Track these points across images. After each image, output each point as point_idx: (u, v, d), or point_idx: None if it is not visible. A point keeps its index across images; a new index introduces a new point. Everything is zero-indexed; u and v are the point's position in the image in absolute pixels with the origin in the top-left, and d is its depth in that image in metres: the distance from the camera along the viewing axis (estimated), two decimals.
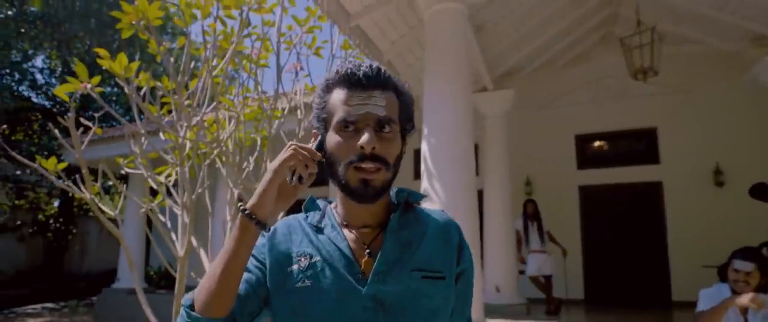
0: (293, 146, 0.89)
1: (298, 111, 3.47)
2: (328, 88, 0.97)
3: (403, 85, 0.99)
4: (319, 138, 0.96)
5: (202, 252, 2.71)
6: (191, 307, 0.88)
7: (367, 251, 0.94)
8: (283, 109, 3.07)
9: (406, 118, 0.98)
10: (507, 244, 7.32)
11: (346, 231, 0.98)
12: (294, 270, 0.93)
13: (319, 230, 0.99)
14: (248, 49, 2.85)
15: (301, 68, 3.79)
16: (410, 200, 1.02)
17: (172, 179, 2.75)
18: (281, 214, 1.07)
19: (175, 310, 2.43)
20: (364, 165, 0.89)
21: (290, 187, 0.90)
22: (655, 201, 8.66)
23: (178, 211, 2.54)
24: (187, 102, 2.61)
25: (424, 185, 4.76)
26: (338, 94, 0.94)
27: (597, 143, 9.36)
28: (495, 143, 7.90)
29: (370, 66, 0.94)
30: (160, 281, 10.19)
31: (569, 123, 9.22)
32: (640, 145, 9.11)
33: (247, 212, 0.86)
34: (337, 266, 0.92)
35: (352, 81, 0.93)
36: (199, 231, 2.73)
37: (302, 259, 0.94)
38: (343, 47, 4.34)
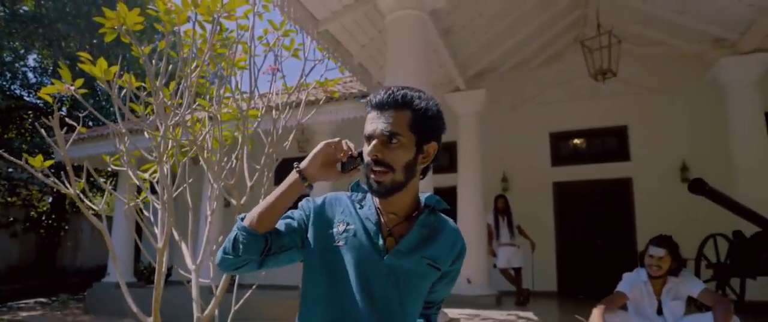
0: (339, 139, 1.22)
1: (273, 111, 3.57)
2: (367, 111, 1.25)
3: (423, 102, 1.19)
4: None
5: (183, 245, 2.80)
6: (243, 219, 1.19)
7: (389, 232, 1.22)
8: (261, 110, 3.16)
9: (419, 130, 1.18)
10: (479, 238, 7.46)
11: (379, 214, 1.24)
12: (333, 232, 1.22)
13: (359, 206, 1.26)
14: (228, 52, 2.93)
15: (278, 70, 3.89)
16: (437, 207, 1.29)
17: (157, 176, 2.83)
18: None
19: (155, 299, 2.52)
20: (374, 168, 1.16)
21: (335, 169, 1.20)
22: (625, 197, 8.86)
23: (158, 206, 2.62)
24: (170, 102, 2.69)
25: None
26: (368, 115, 1.21)
27: (570, 141, 9.54)
28: (468, 141, 8.06)
29: (390, 92, 1.18)
30: (150, 275, 10.21)
31: (544, 121, 9.38)
32: (611, 142, 9.30)
33: (298, 168, 1.18)
34: (365, 236, 1.20)
35: (373, 104, 1.20)
36: (183, 226, 2.82)
37: (341, 224, 1.22)
38: (319, 49, 4.43)
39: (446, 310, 6.89)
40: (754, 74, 6.96)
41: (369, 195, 1.27)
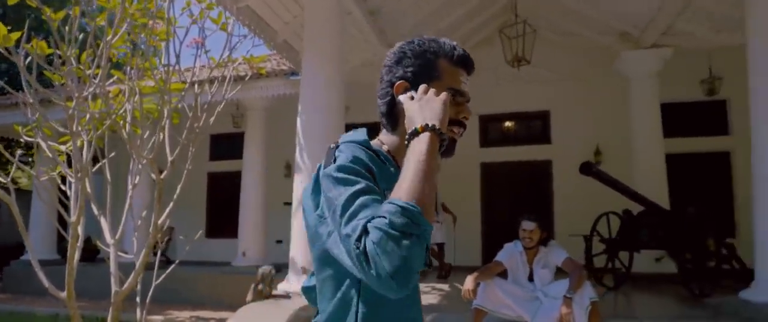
0: (445, 94, 1.00)
1: (196, 86, 3.46)
2: (436, 55, 1.07)
3: None
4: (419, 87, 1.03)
5: (102, 219, 2.69)
6: (413, 208, 0.80)
7: None
8: (185, 83, 3.05)
9: None
10: None
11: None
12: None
13: (383, 163, 1.02)
14: (149, 23, 2.80)
15: (203, 44, 3.76)
16: None
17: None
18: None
19: (68, 272, 2.41)
20: (457, 129, 1.06)
21: None
22: (546, 178, 9.35)
23: (72, 179, 2.50)
24: (89, 72, 2.55)
25: (297, 158, 5.00)
26: (449, 67, 1.07)
27: (498, 124, 9.88)
28: None
29: (469, 55, 1.10)
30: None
31: (474, 104, 9.50)
32: (535, 126, 9.74)
33: (437, 129, 0.92)
34: None
35: (466, 63, 1.09)
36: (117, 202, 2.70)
37: (387, 192, 0.91)
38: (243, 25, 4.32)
39: None
40: (652, 67, 7.52)
41: (387, 153, 1.07)
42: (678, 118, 8.57)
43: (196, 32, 3.75)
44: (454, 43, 1.09)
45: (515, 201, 9.48)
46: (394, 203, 0.80)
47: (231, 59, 4.28)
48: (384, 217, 0.79)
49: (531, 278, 3.78)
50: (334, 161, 0.95)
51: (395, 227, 0.77)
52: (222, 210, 10.71)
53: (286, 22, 6.23)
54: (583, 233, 6.42)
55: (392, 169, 1.02)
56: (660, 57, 7.46)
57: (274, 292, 4.96)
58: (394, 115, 1.09)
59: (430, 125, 0.92)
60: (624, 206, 6.36)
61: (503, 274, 3.88)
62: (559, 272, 3.81)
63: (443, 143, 0.94)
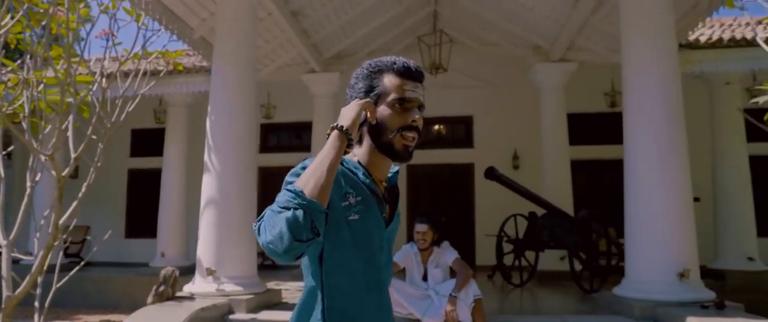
0: (366, 100, 1.15)
1: (104, 79, 3.27)
2: (380, 72, 1.19)
3: None
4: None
5: None
6: (299, 193, 0.95)
7: (385, 198, 1.21)
8: (94, 76, 2.89)
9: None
10: None
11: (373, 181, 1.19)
12: (346, 206, 1.11)
13: (355, 174, 1.16)
14: (50, 9, 2.62)
15: (114, 36, 3.58)
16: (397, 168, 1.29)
17: None
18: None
19: None
20: (409, 134, 1.14)
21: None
22: (468, 180, 9.69)
23: None
24: None
25: (205, 158, 4.94)
26: (392, 80, 1.17)
27: (425, 127, 10.10)
28: (321, 123, 8.24)
29: (417, 66, 1.20)
30: None
31: None
32: (459, 130, 10.09)
33: (344, 129, 1.06)
34: (373, 206, 1.15)
35: (408, 73, 1.17)
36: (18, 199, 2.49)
37: (351, 197, 1.11)
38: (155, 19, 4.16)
39: (293, 283, 7.00)
40: (559, 80, 8.06)
41: (354, 163, 1.19)
42: (583, 127, 9.21)
43: (108, 24, 3.56)
44: (396, 58, 1.21)
45: (439, 201, 9.75)
46: (284, 188, 0.99)
47: (147, 53, 4.10)
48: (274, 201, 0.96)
49: (426, 278, 3.95)
50: None
51: (278, 204, 0.94)
52: (143, 209, 10.17)
53: (203, 19, 6.05)
54: (494, 234, 6.76)
55: (361, 175, 1.16)
56: (566, 71, 8.01)
57: (180, 293, 4.79)
58: (360, 132, 1.22)
59: (337, 126, 1.07)
60: (536, 207, 6.72)
61: (404, 273, 4.06)
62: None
63: (351, 142, 1.08)
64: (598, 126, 9.38)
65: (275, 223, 0.92)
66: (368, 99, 1.15)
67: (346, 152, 1.14)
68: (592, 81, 8.70)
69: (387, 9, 7.80)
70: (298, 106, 9.40)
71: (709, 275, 7.39)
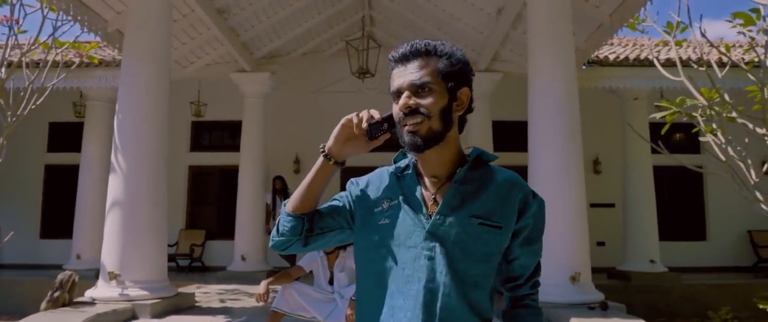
0: (351, 115, 1.11)
1: (3, 70, 3.18)
2: (391, 68, 1.14)
3: (447, 48, 1.11)
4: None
5: None
6: (284, 212, 1.17)
7: (433, 196, 1.11)
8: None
9: (449, 75, 1.09)
10: (255, 216, 7.63)
11: (422, 179, 1.14)
12: (378, 211, 1.12)
13: (401, 177, 1.15)
14: None
15: (18, 22, 3.46)
16: (482, 158, 1.16)
17: None
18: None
19: None
20: (407, 120, 1.05)
21: (363, 141, 1.10)
22: None
23: None
24: None
25: (112, 158, 4.89)
26: (391, 73, 1.13)
27: None
28: (252, 122, 8.17)
29: (410, 44, 1.10)
30: None
31: (339, 109, 9.83)
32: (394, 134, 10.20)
33: (323, 151, 1.10)
34: (410, 207, 1.10)
35: (396, 59, 1.11)
36: None
37: (385, 202, 1.12)
38: (54, 9, 4.05)
39: (216, 286, 6.89)
40: (486, 88, 8.35)
41: (412, 163, 1.15)
42: (508, 134, 9.60)
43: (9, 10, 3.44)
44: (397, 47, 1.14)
45: None
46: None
47: (59, 43, 3.95)
48: None
49: (332, 282, 4.01)
50: None
51: (278, 222, 1.19)
52: (59, 208, 9.67)
53: (118, 12, 5.86)
54: None
55: (408, 179, 1.14)
56: (492, 80, 8.33)
57: (80, 299, 4.65)
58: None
59: (321, 147, 1.13)
60: None
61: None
62: None
63: (330, 162, 1.11)
64: (520, 134, 9.78)
65: (275, 232, 1.18)
66: (361, 111, 1.11)
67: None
68: (515, 91, 9.08)
69: (319, 10, 7.84)
70: (233, 105, 9.27)
71: (616, 276, 7.93)
